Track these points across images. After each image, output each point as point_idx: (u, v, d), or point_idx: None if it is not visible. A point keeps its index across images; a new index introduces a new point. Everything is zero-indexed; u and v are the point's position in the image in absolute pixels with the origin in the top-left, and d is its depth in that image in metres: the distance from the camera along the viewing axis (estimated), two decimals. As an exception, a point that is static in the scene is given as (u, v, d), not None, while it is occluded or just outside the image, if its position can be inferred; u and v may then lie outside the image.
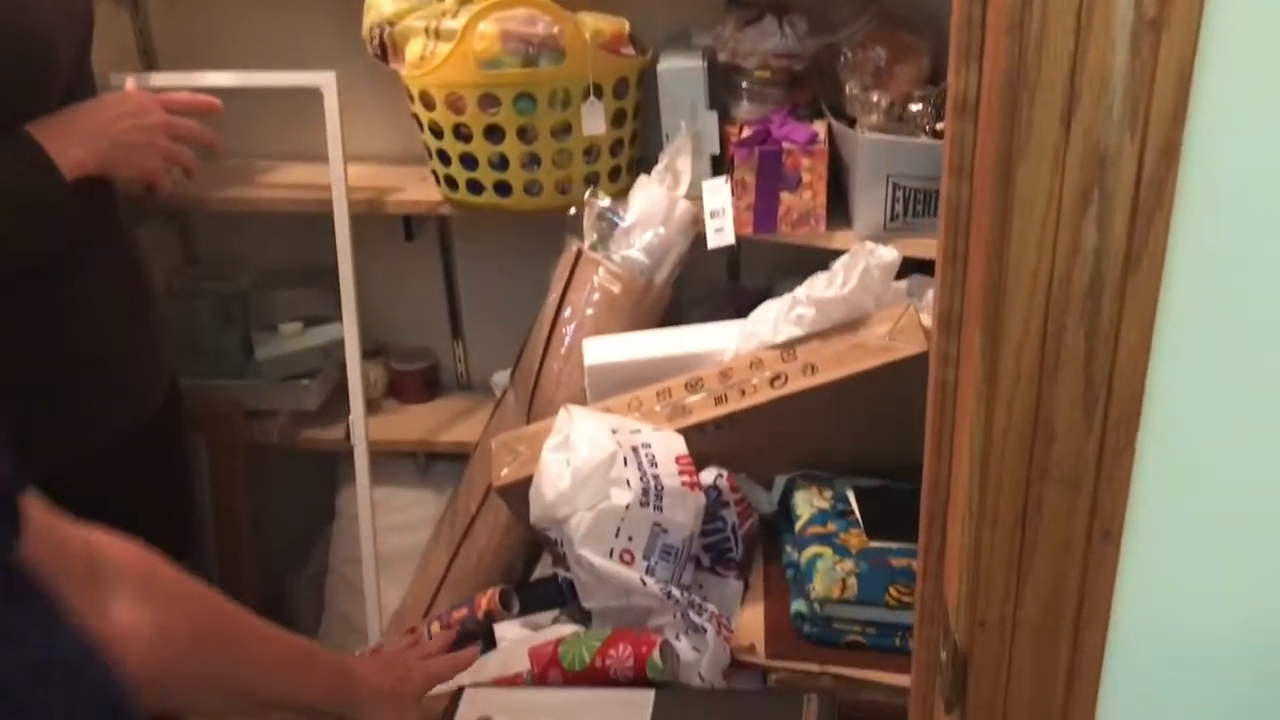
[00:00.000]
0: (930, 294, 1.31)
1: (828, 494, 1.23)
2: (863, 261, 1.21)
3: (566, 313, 1.46)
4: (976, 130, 0.54)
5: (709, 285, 1.69)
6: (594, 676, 1.09)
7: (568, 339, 1.45)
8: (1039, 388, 0.51)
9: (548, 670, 1.12)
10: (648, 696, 1.03)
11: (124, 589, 0.62)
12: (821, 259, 1.30)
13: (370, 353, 1.80)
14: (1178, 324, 0.50)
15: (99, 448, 0.98)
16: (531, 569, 1.56)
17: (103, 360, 0.99)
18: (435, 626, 1.43)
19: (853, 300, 1.22)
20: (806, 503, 1.21)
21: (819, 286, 1.22)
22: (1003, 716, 0.59)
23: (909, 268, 1.31)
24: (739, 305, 1.57)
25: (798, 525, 1.20)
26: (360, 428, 1.61)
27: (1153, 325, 0.50)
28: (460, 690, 1.08)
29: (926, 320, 1.23)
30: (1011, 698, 0.58)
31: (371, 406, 1.76)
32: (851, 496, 1.22)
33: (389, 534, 1.73)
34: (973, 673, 0.58)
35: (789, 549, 1.21)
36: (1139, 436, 0.52)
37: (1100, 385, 0.51)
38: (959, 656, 0.58)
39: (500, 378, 1.72)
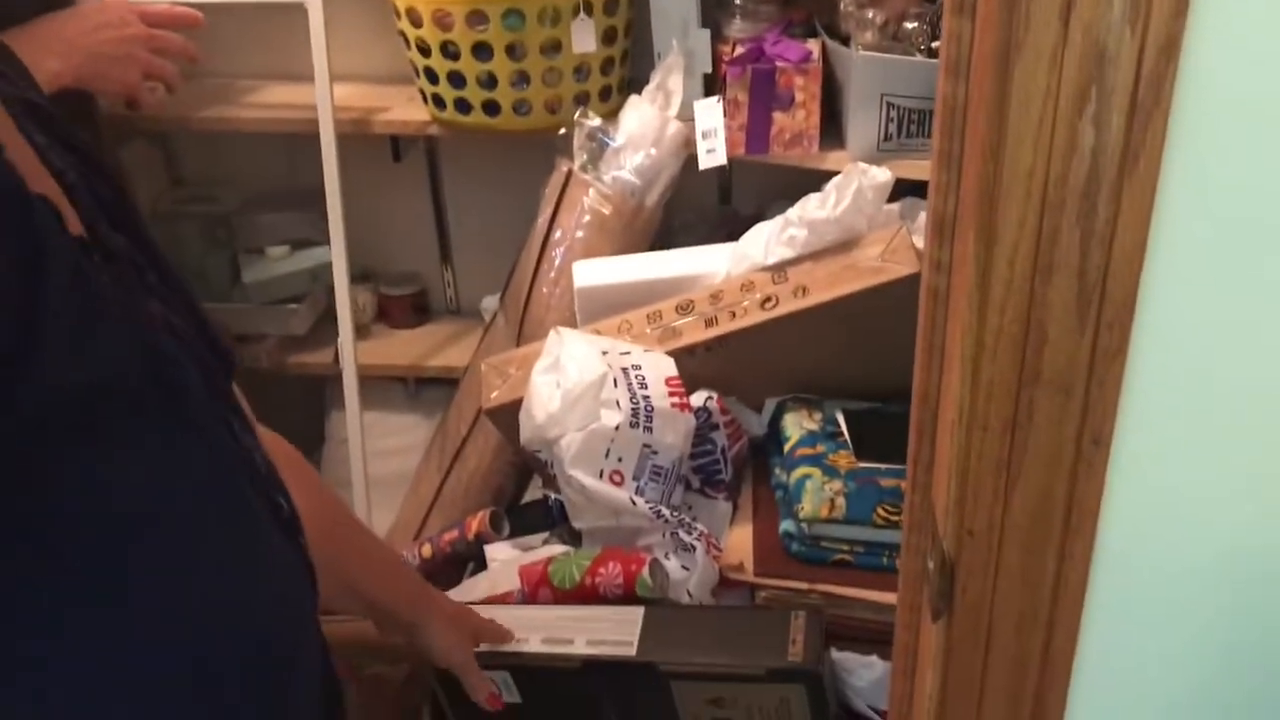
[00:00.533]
0: (923, 216, 1.30)
1: (817, 416, 1.23)
2: (855, 182, 1.20)
3: (556, 235, 1.44)
4: (974, 28, 0.53)
5: (700, 210, 1.67)
6: (584, 594, 1.10)
7: (557, 261, 1.44)
8: (1032, 291, 0.51)
9: (538, 588, 1.13)
10: (637, 612, 1.03)
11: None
12: (814, 181, 1.29)
13: (358, 278, 1.79)
14: (1173, 226, 0.50)
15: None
16: (522, 492, 1.56)
17: None
18: (426, 549, 1.44)
19: (845, 221, 1.20)
20: (796, 425, 1.21)
21: (811, 207, 1.21)
22: (989, 624, 0.59)
23: (902, 190, 1.30)
24: (730, 230, 1.55)
25: (787, 447, 1.20)
26: (349, 352, 1.60)
27: (1148, 227, 0.49)
28: (450, 608, 1.08)
29: (918, 242, 1.22)
30: (998, 605, 0.58)
31: (360, 332, 1.76)
32: (841, 419, 1.22)
33: (379, 458, 1.74)
34: (960, 580, 0.58)
35: (778, 471, 1.21)
36: (1131, 340, 0.51)
37: (1094, 288, 0.50)
38: (946, 564, 0.58)
39: (489, 302, 1.71)
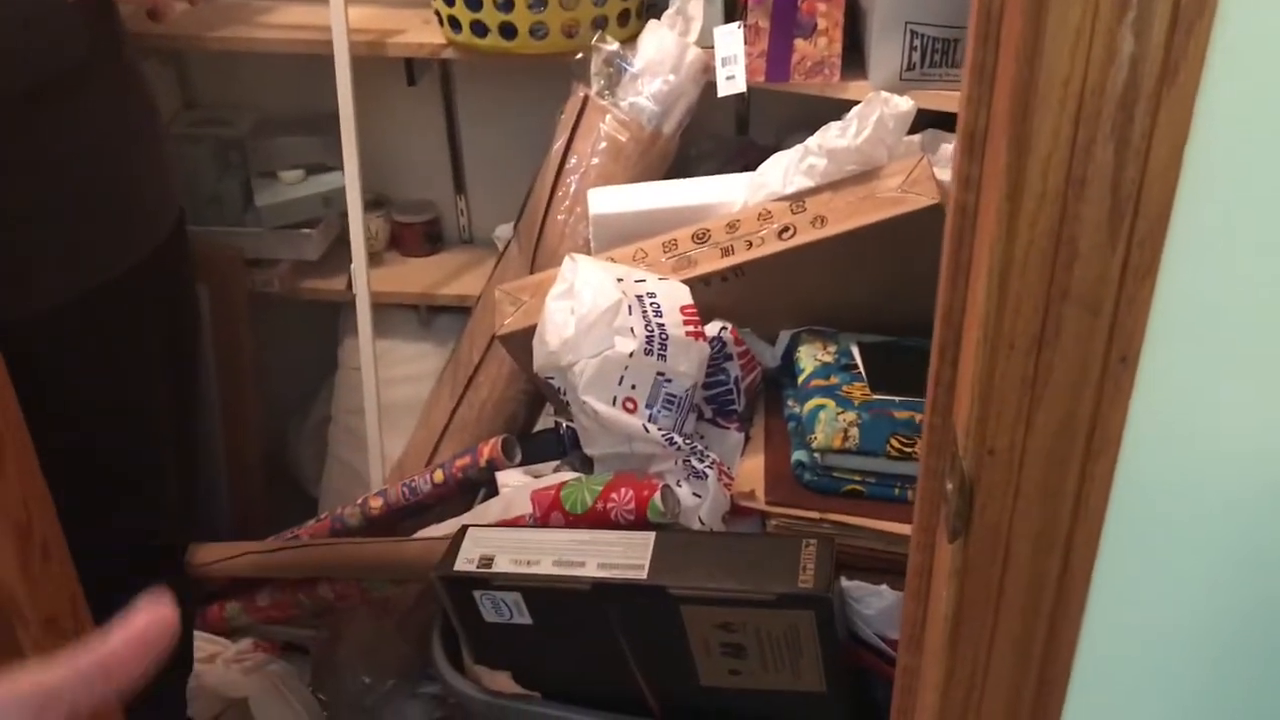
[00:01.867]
0: (944, 149, 1.28)
1: (832, 349, 1.22)
2: (877, 110, 1.18)
3: (571, 162, 1.43)
4: (1012, -68, 0.52)
5: (716, 140, 1.65)
6: (595, 519, 1.10)
7: (572, 189, 1.43)
8: (1064, 204, 0.50)
9: (550, 512, 1.13)
10: (649, 537, 1.04)
11: None
12: (833, 112, 1.27)
13: (371, 204, 1.77)
14: (1210, 140, 0.49)
15: (109, 275, 0.96)
16: (533, 420, 1.57)
17: (111, 182, 0.96)
18: (438, 475, 1.45)
19: (865, 150, 1.19)
20: (810, 357, 1.21)
21: (831, 136, 1.19)
22: (1007, 545, 0.59)
23: (922, 122, 1.28)
24: (747, 160, 1.53)
25: (801, 378, 1.19)
26: (362, 278, 1.59)
27: (1185, 140, 0.48)
28: (464, 529, 1.09)
29: (940, 173, 1.21)
30: (1016, 526, 0.58)
31: (373, 259, 1.75)
32: (855, 351, 1.22)
33: (390, 385, 1.74)
34: (979, 501, 0.58)
35: (791, 402, 1.21)
36: (1163, 257, 0.50)
37: (1127, 202, 0.49)
38: (966, 485, 0.57)
39: (503, 230, 1.70)
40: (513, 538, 1.08)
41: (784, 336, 1.29)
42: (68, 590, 0.86)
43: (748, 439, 1.23)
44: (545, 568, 1.04)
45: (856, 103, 1.24)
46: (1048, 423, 0.55)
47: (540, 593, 1.04)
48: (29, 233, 0.89)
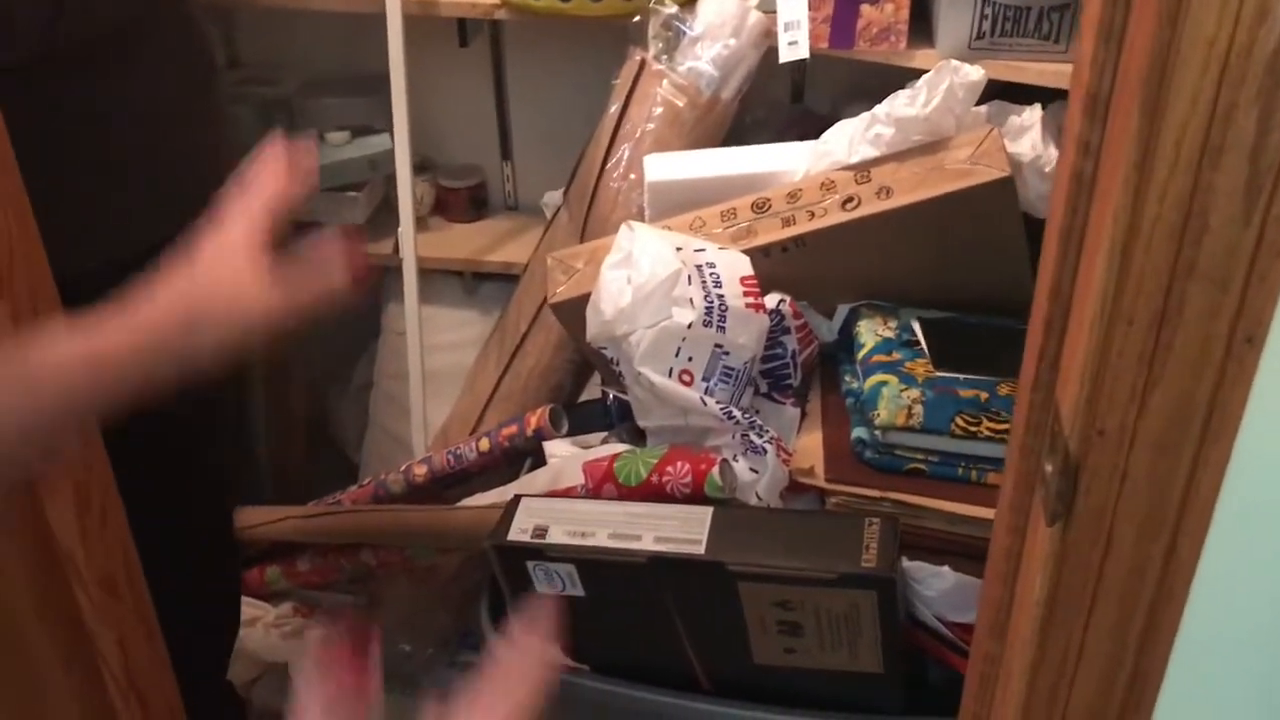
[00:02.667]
0: (1011, 119, 1.25)
1: (892, 324, 1.20)
2: (947, 79, 1.15)
3: (625, 128, 1.40)
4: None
5: (770, 107, 1.62)
6: (649, 491, 1.08)
7: (626, 155, 1.40)
8: (1197, 174, 0.47)
9: (602, 484, 1.11)
10: (706, 512, 1.02)
11: None
12: (894, 81, 1.24)
13: (416, 168, 1.75)
14: (1362, 107, 0.46)
15: (174, 231, 0.95)
16: (579, 390, 1.55)
17: (176, 135, 0.94)
18: (484, 443, 1.43)
19: (934, 120, 1.16)
20: (871, 332, 1.18)
21: (900, 104, 1.16)
22: (1110, 529, 0.56)
23: (990, 93, 1.24)
24: (803, 129, 1.50)
25: (860, 354, 1.17)
26: (409, 242, 1.58)
27: (1334, 108, 0.45)
28: (517, 499, 1.08)
29: (1010, 146, 1.17)
30: (1121, 510, 0.55)
31: (417, 224, 1.73)
32: (917, 327, 1.19)
33: (433, 352, 1.72)
34: (1083, 483, 0.55)
35: (849, 377, 1.18)
36: (1302, 233, 0.47)
37: (1267, 173, 0.46)
38: (1070, 466, 0.55)
39: (552, 197, 1.67)
40: (567, 509, 1.06)
41: (842, 310, 1.26)
42: (123, 553, 0.85)
43: (804, 414, 1.20)
44: (600, 540, 1.02)
45: (918, 72, 1.21)
46: (1163, 403, 0.52)
47: (595, 565, 1.02)
48: (92, 186, 0.88)
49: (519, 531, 1.04)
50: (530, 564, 1.03)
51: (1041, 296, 0.59)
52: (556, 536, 1.03)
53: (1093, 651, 0.61)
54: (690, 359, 1.11)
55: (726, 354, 1.12)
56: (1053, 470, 0.57)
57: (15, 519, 0.68)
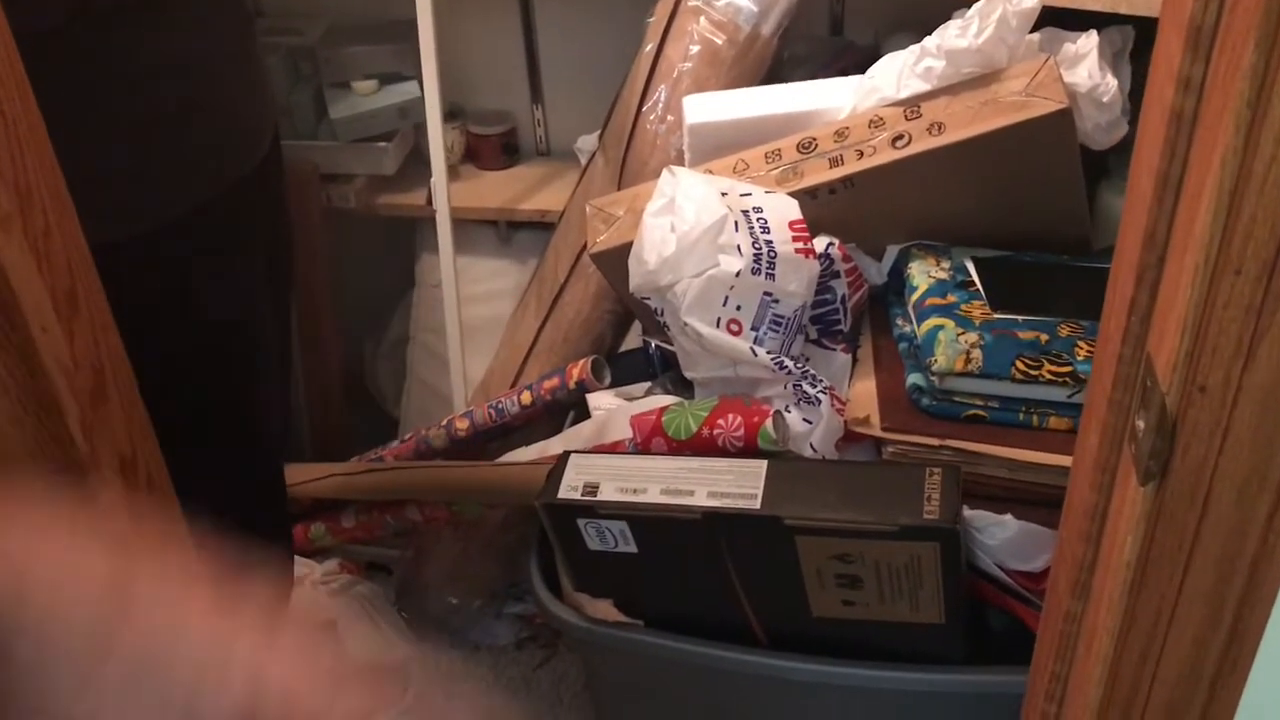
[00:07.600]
0: (1066, 47, 1.19)
1: (945, 264, 1.16)
2: (1000, 7, 1.09)
3: (662, 67, 1.36)
4: None
5: (810, 41, 1.56)
6: (700, 445, 1.06)
7: (663, 96, 1.36)
8: (1318, 112, 0.43)
9: (651, 438, 1.09)
10: (760, 465, 0.99)
11: None
12: (935, 11, 1.18)
13: (445, 116, 1.71)
14: None
15: (217, 190, 0.92)
16: (620, 341, 1.52)
17: (216, 92, 0.91)
18: (526, 396, 1.42)
19: (987, 51, 1.11)
20: (923, 273, 1.14)
21: (951, 35, 1.11)
22: (1208, 489, 0.53)
23: (1042, 19, 1.19)
24: (845, 65, 1.45)
25: (913, 297, 1.13)
26: (442, 192, 1.54)
27: None
28: (566, 455, 1.05)
29: (1066, 75, 1.12)
30: (1222, 469, 0.52)
31: (449, 173, 1.69)
32: (971, 267, 1.15)
33: (469, 304, 1.70)
34: (1181, 441, 0.52)
35: (901, 321, 1.15)
36: None
37: (1396, 109, 0.43)
38: (1167, 423, 0.52)
39: (586, 141, 1.63)
40: (617, 465, 1.04)
41: (891, 251, 1.22)
42: (170, 522, 0.84)
43: (855, 361, 1.17)
44: (653, 496, 1.00)
45: (962, 2, 1.15)
46: (1272, 358, 0.49)
47: (648, 522, 1.00)
48: (130, 149, 0.85)
49: (569, 489, 1.02)
50: (581, 522, 1.02)
51: (1131, 244, 0.55)
52: (608, 494, 1.01)
53: (1186, 614, 0.58)
54: (739, 308, 1.08)
55: (776, 302, 1.09)
56: (1146, 427, 0.54)
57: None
